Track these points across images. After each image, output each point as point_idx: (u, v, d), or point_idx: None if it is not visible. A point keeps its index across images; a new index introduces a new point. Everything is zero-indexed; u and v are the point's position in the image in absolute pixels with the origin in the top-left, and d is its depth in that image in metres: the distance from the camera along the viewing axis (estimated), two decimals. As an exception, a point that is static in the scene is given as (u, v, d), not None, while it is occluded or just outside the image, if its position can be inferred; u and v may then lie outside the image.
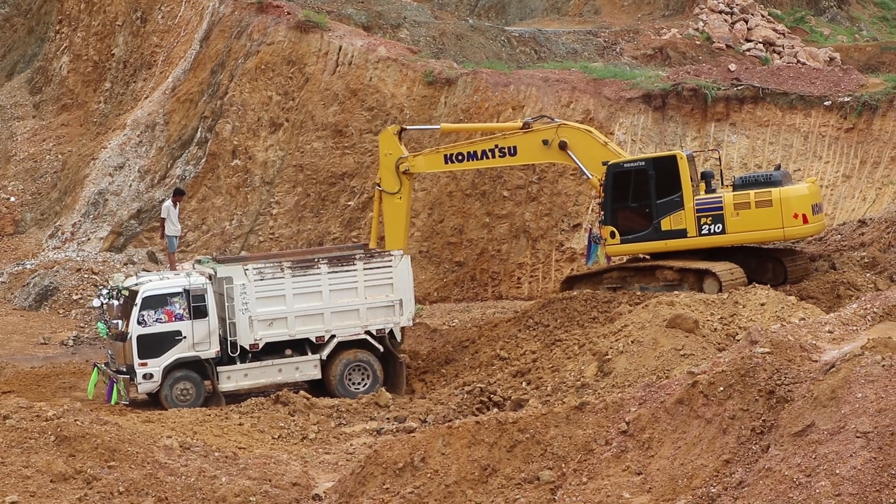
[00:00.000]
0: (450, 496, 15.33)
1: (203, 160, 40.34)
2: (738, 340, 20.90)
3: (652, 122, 37.29)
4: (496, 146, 28.96)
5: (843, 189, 35.07)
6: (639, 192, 27.66)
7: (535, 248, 36.58)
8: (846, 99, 36.12)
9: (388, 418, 24.64)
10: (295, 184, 39.31)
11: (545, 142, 28.59)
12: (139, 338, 25.81)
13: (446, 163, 29.63)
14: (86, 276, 37.03)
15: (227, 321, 26.37)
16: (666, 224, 27.45)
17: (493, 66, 40.59)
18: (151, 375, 25.86)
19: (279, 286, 26.60)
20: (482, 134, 31.07)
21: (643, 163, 28.02)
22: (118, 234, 40.02)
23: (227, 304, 26.35)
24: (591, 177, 28.44)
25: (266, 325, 26.53)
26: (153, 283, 26.42)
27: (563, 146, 28.44)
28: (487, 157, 29.16)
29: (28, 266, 38.67)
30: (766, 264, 28.05)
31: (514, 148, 28.89)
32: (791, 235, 27.42)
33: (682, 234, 27.37)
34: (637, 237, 27.81)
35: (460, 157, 29.34)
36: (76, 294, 36.12)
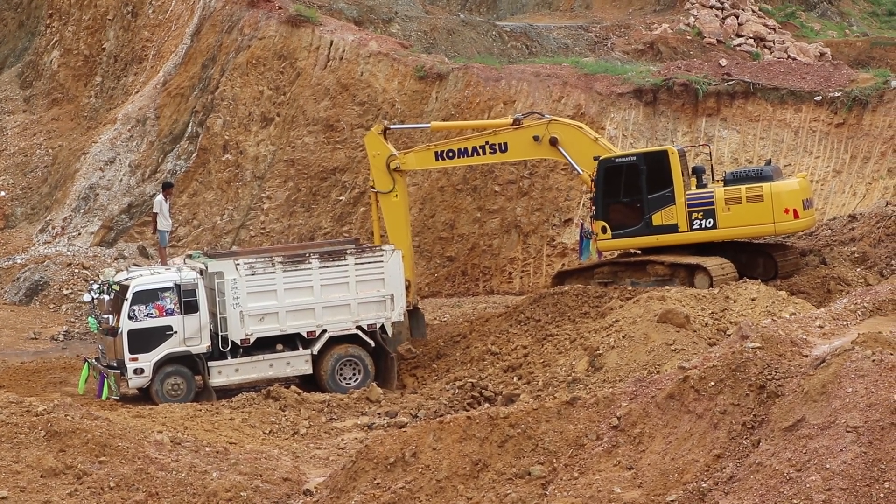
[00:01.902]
0: (441, 491, 15.33)
1: (194, 155, 40.29)
2: (729, 335, 20.91)
3: (643, 116, 37.31)
4: (487, 143, 28.97)
5: (834, 184, 35.13)
6: (630, 187, 27.67)
7: (526, 243, 36.59)
8: (836, 94, 36.16)
9: (379, 413, 24.63)
10: (286, 178, 39.28)
11: (536, 138, 28.61)
12: (130, 333, 25.78)
13: (437, 160, 29.65)
14: (76, 270, 36.97)
15: (218, 316, 26.34)
16: (657, 219, 27.47)
17: (485, 61, 40.58)
18: (142, 370, 25.83)
19: (270, 281, 26.59)
20: (473, 130, 31.06)
21: (634, 158, 28.05)
22: (109, 229, 39.95)
23: (218, 298, 26.33)
24: (581, 172, 28.46)
25: (257, 319, 26.51)
26: (144, 277, 26.39)
27: (553, 142, 28.45)
28: (478, 154, 29.17)
29: (18, 261, 38.61)
30: (757, 259, 28.08)
31: (505, 144, 28.90)
32: (782, 230, 27.46)
33: (673, 228, 27.39)
34: (628, 232, 27.82)
35: (451, 154, 29.37)
36: (67, 289, 36.05)
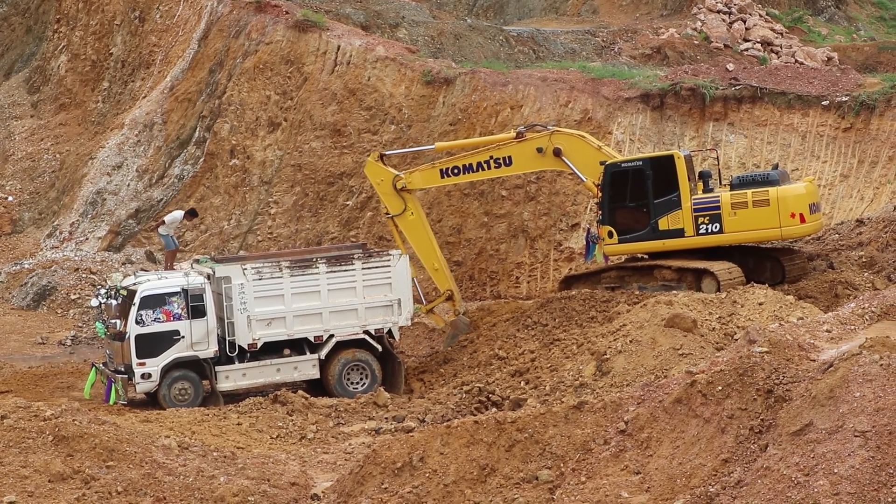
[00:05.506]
0: (448, 496, 15.34)
1: (201, 160, 40.34)
2: (737, 340, 20.92)
3: (650, 121, 37.30)
4: (491, 157, 29.01)
5: (841, 188, 35.09)
6: (636, 192, 27.69)
7: (533, 248, 36.58)
8: (844, 99, 36.14)
9: (386, 418, 24.64)
10: (293, 183, 39.31)
11: (539, 150, 28.63)
12: (137, 337, 25.81)
13: (443, 177, 29.67)
14: (84, 275, 37.02)
15: (226, 321, 26.36)
16: (664, 224, 27.48)
17: (492, 66, 40.59)
18: (149, 375, 25.85)
19: (277, 286, 26.61)
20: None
21: (641, 162, 28.04)
22: (116, 234, 40.01)
23: (225, 303, 26.35)
24: (585, 180, 28.46)
25: (264, 324, 26.54)
26: (151, 282, 26.41)
27: (557, 153, 28.47)
28: (483, 169, 29.22)
29: (26, 265, 38.67)
30: (764, 264, 28.07)
31: (509, 158, 28.95)
32: (788, 235, 27.44)
33: (679, 233, 27.40)
34: (635, 237, 27.83)
35: (456, 171, 29.40)
36: (74, 294, 36.11)
